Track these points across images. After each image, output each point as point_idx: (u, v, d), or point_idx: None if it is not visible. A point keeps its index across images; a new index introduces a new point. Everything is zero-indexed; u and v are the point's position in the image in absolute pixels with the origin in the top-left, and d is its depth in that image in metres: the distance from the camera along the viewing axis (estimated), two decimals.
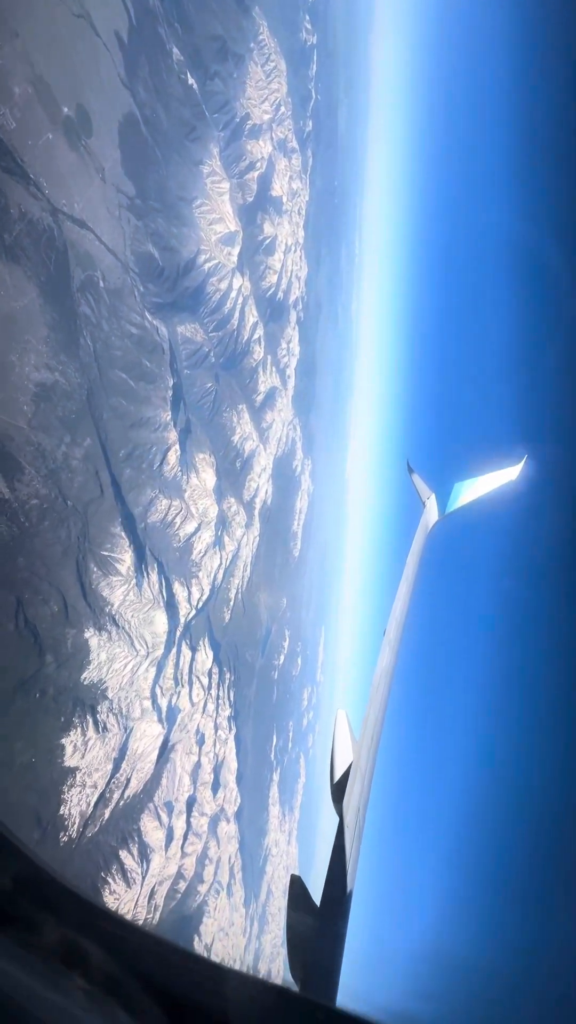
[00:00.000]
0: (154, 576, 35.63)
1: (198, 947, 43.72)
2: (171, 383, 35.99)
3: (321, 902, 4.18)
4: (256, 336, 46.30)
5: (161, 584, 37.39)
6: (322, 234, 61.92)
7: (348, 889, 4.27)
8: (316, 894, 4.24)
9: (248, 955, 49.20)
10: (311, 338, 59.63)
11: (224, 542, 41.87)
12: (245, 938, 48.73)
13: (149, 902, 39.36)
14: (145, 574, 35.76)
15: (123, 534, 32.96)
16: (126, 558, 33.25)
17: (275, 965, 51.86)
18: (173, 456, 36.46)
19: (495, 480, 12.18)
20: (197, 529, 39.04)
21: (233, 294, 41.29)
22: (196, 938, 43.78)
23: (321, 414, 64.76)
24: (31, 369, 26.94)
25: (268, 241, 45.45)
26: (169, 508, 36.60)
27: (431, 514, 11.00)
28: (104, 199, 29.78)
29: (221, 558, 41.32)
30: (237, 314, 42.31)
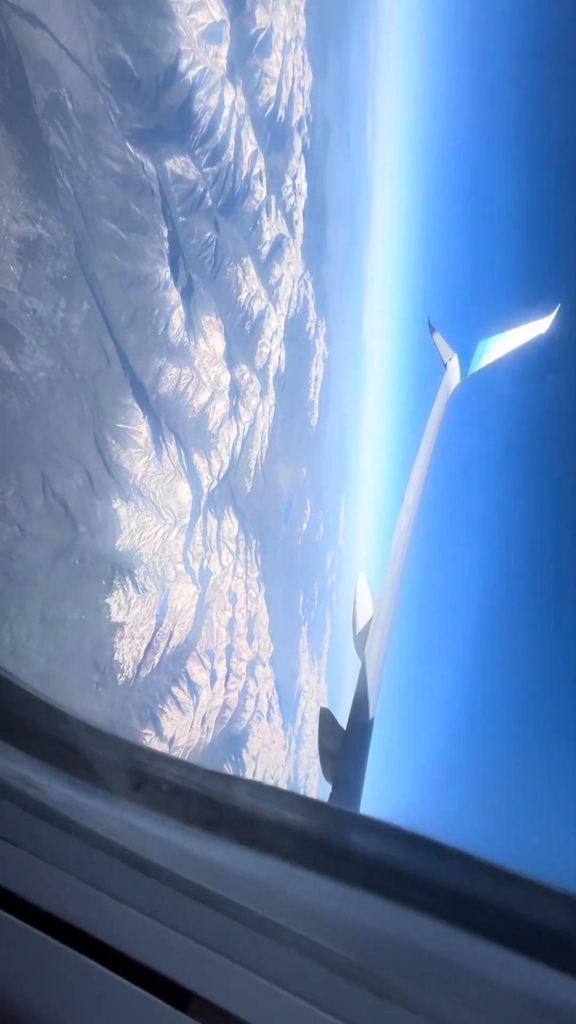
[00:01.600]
0: (172, 448, 35.52)
1: (245, 758, 51.43)
2: (166, 233, 32.21)
3: (347, 727, 4.82)
4: (256, 171, 40.09)
5: (180, 456, 37.43)
6: (329, 21, 49.91)
7: (371, 716, 4.97)
8: (343, 721, 4.88)
9: (288, 764, 58.21)
10: (320, 171, 51.34)
11: (239, 412, 40.81)
12: (285, 752, 57.38)
13: (202, 725, 45.42)
14: (163, 446, 35.65)
15: (136, 405, 32.21)
16: (142, 430, 32.91)
17: (312, 769, 61.67)
18: (178, 319, 34.03)
19: (523, 335, 11.30)
20: (211, 399, 37.87)
21: (225, 113, 34.87)
22: (244, 751, 51.46)
23: (334, 267, 58.34)
24: (9, 220, 24.17)
25: (262, 36, 36.93)
26: (180, 377, 35.17)
27: (452, 376, 10.51)
28: None
29: (238, 429, 40.62)
30: (232, 141, 36.18)
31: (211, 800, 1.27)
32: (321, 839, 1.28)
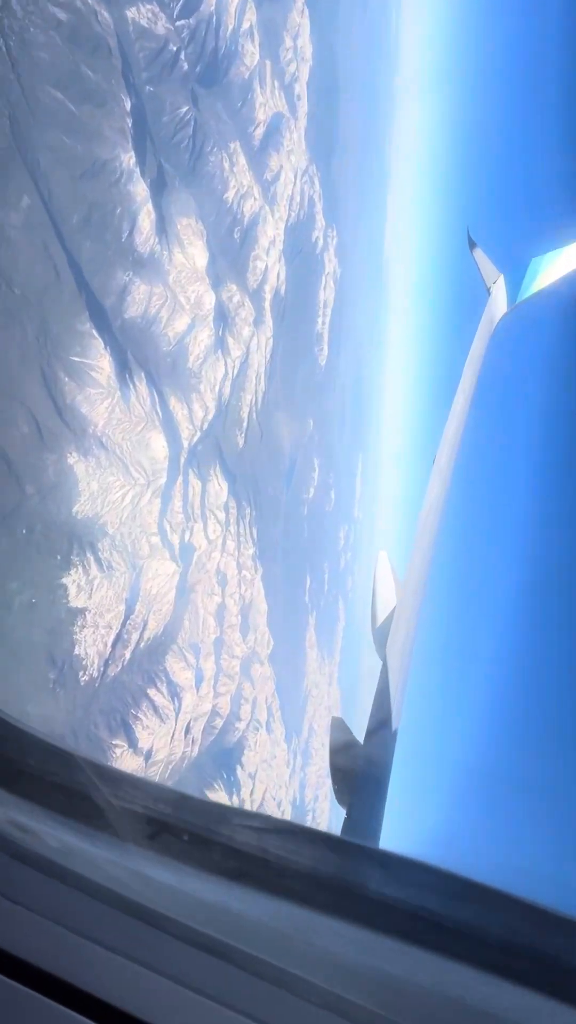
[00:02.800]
0: (142, 389, 34.81)
1: (241, 775, 52.32)
2: (128, 106, 30.83)
3: (365, 740, 4.93)
4: (246, 26, 38.15)
5: (153, 399, 36.75)
6: None
7: (394, 728, 4.97)
8: (360, 734, 5.00)
9: (292, 783, 59.21)
10: (329, 30, 48.90)
11: (228, 344, 39.87)
12: (289, 769, 58.24)
13: (186, 736, 45.86)
14: (131, 386, 35.01)
15: (95, 333, 31.44)
16: (104, 365, 32.21)
17: (321, 791, 62.79)
18: (146, 221, 32.86)
19: None
20: (191, 327, 36.92)
21: None
22: (239, 768, 52.38)
23: (347, 160, 56.09)
24: None
25: None
26: (150, 297, 34.18)
27: (497, 304, 10.59)
28: None
29: (226, 367, 39.78)
30: None
31: (230, 846, 1.35)
32: (342, 881, 1.42)
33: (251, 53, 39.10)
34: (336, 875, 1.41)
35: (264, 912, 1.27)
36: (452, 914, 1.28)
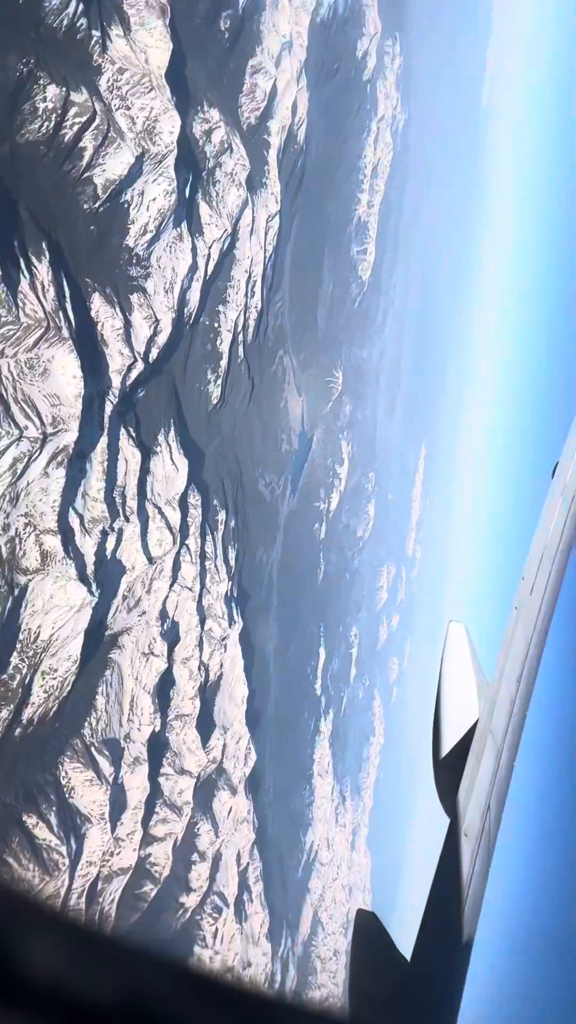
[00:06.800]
0: (43, 272, 25.26)
1: None
2: None
3: (415, 954, 4.16)
4: None
5: (60, 293, 26.80)
6: None
7: (465, 937, 4.04)
8: (405, 945, 4.24)
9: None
10: None
11: (199, 216, 29.43)
12: (274, 988, 42.08)
13: (89, 903, 34.34)
14: (22, 267, 26.49)
15: None
16: None
17: None
18: None
19: None
20: (135, 170, 26.70)
21: None
22: None
23: None
24: None
25: None
26: (64, 107, 24.65)
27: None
28: None
29: (195, 254, 29.08)
30: None
31: None
32: None
33: None
34: None
35: None
36: None
